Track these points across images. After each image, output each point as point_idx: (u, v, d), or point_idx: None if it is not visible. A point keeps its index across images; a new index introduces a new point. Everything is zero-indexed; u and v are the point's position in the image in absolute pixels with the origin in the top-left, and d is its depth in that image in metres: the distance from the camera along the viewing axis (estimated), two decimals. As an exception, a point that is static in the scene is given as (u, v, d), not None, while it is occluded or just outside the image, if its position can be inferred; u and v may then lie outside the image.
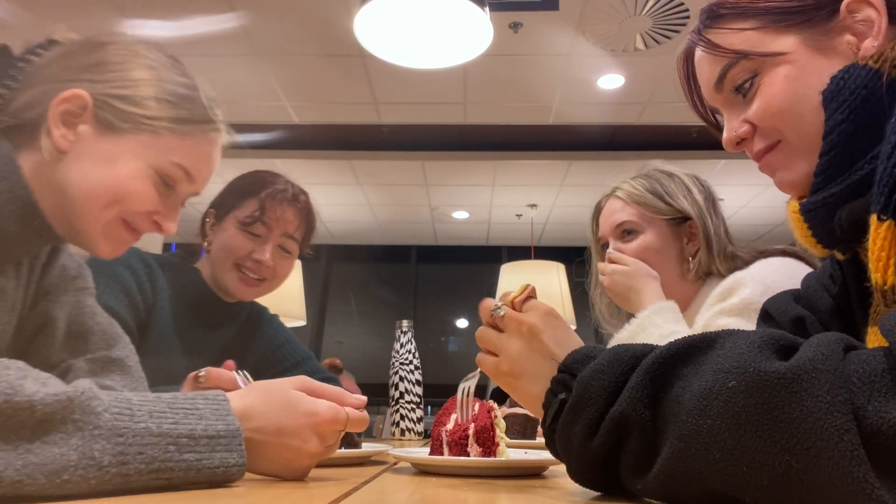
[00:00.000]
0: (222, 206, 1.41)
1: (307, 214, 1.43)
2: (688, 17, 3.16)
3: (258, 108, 4.21)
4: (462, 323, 7.29)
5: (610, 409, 0.50)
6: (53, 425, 0.50)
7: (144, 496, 0.52)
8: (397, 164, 4.95)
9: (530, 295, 0.69)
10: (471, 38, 1.87)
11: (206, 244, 1.40)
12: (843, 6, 0.65)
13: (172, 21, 3.24)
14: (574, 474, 0.56)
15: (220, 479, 0.58)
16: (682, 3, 3.06)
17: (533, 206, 5.70)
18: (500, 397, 2.11)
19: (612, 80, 3.81)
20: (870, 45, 0.63)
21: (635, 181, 1.36)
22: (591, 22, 3.24)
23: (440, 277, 7.21)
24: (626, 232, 1.33)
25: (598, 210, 1.42)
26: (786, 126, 0.68)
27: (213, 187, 1.44)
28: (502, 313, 0.68)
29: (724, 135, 0.74)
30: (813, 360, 0.41)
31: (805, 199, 0.66)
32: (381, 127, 4.49)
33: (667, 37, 3.32)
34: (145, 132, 0.79)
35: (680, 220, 1.30)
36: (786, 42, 0.67)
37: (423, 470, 0.79)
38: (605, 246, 1.37)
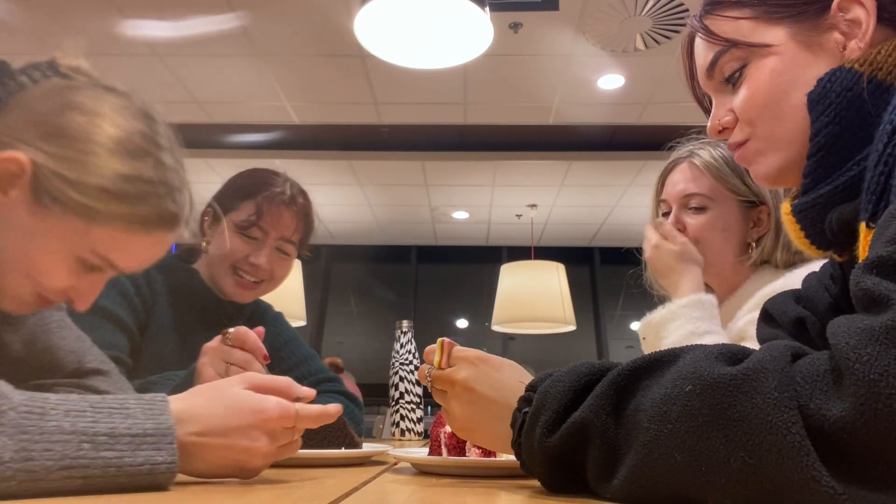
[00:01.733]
0: (220, 205, 1.39)
1: (305, 216, 1.42)
2: (687, 18, 3.16)
3: (258, 108, 4.21)
4: (462, 323, 7.29)
5: (571, 413, 0.52)
6: None
7: (143, 495, 0.52)
8: (397, 164, 4.95)
9: (450, 349, 0.69)
10: (471, 38, 1.87)
11: (204, 243, 1.39)
12: (834, 3, 0.66)
13: (172, 21, 3.24)
14: (543, 480, 0.57)
15: (146, 481, 0.54)
16: (681, 3, 3.06)
17: (533, 206, 5.70)
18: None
19: (612, 80, 3.81)
20: (855, 47, 0.64)
21: (715, 149, 1.26)
22: (591, 22, 3.24)
23: (440, 277, 7.21)
24: (693, 207, 1.25)
25: (667, 171, 1.33)
26: (762, 122, 0.70)
27: (213, 186, 1.44)
28: (430, 382, 0.69)
29: (709, 122, 0.76)
30: (762, 362, 0.43)
31: (796, 201, 0.67)
32: (381, 127, 4.49)
33: (667, 37, 3.32)
34: (76, 217, 0.71)
35: (752, 204, 1.23)
36: (775, 34, 0.68)
37: (422, 470, 0.79)
38: (667, 213, 1.30)
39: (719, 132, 0.75)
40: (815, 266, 1.12)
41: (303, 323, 3.53)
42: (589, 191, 5.36)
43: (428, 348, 0.71)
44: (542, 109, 4.17)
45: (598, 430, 0.50)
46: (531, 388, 0.59)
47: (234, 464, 0.62)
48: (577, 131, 4.47)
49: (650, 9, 3.12)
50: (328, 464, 0.85)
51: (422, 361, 0.71)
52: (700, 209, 1.25)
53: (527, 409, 0.57)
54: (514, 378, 0.65)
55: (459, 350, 0.69)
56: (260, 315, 1.52)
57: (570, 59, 3.59)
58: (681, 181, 1.28)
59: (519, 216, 5.99)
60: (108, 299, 1.20)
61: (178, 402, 0.60)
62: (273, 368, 1.47)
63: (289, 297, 3.11)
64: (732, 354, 0.46)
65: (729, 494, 0.43)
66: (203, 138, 4.54)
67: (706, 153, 1.27)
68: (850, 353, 0.39)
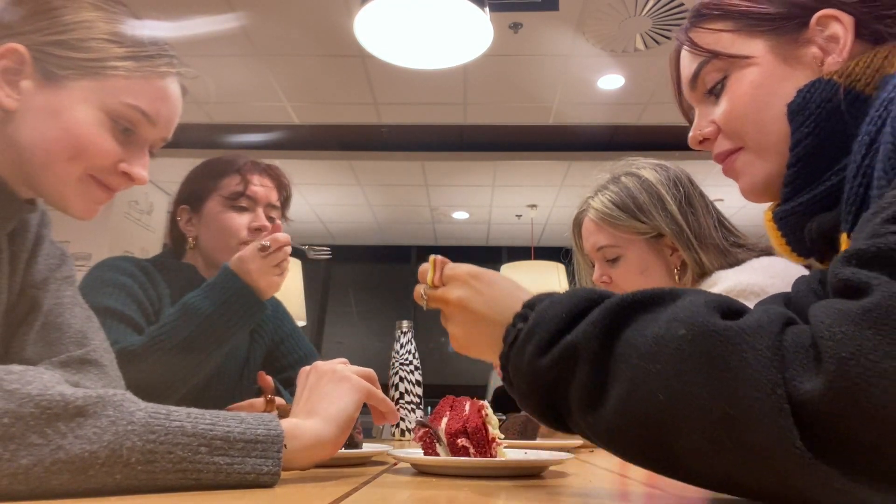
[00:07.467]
0: (195, 195, 1.38)
1: (283, 180, 1.43)
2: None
3: (258, 108, 4.21)
4: (462, 323, 7.28)
5: (565, 335, 0.52)
6: (88, 418, 0.51)
7: (145, 497, 0.52)
8: (397, 164, 4.95)
9: (442, 266, 0.70)
10: (471, 38, 1.87)
11: (190, 241, 1.37)
12: (812, 20, 0.67)
13: (172, 21, 3.24)
14: (523, 398, 0.57)
15: (250, 485, 0.58)
16: (682, 4, 3.07)
17: (533, 206, 5.70)
18: (501, 404, 2.10)
19: (612, 81, 3.81)
20: (833, 61, 0.66)
21: (605, 195, 1.30)
22: (591, 22, 3.24)
23: (440, 277, 7.20)
24: (609, 260, 1.29)
25: (577, 225, 1.38)
26: (747, 133, 0.71)
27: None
28: (426, 301, 0.70)
29: (690, 133, 0.77)
30: (759, 321, 0.43)
31: (777, 208, 0.68)
32: (381, 127, 4.49)
33: (667, 37, 3.32)
34: (89, 76, 0.75)
35: (659, 235, 1.24)
36: (755, 47, 0.70)
37: (422, 470, 0.79)
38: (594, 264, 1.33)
39: (700, 142, 0.77)
40: (735, 269, 1.13)
41: (303, 323, 3.53)
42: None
43: (421, 267, 0.71)
44: (542, 109, 4.17)
45: (587, 356, 0.50)
46: (529, 305, 0.59)
47: (344, 389, 0.73)
48: (577, 131, 4.47)
49: (650, 9, 3.12)
50: (328, 464, 0.85)
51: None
52: (614, 259, 1.28)
53: (521, 326, 0.57)
54: (509, 293, 0.64)
55: (451, 268, 0.69)
56: None
57: (570, 59, 3.59)
58: (588, 237, 1.33)
59: (519, 216, 5.99)
60: (118, 301, 1.20)
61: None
62: (274, 363, 1.45)
63: (289, 297, 3.11)
64: (728, 308, 0.47)
65: (703, 440, 0.43)
66: (203, 138, 4.54)
67: (598, 202, 1.30)
68: (825, 332, 0.40)
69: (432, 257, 0.71)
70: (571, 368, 0.51)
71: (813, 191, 0.63)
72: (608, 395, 0.49)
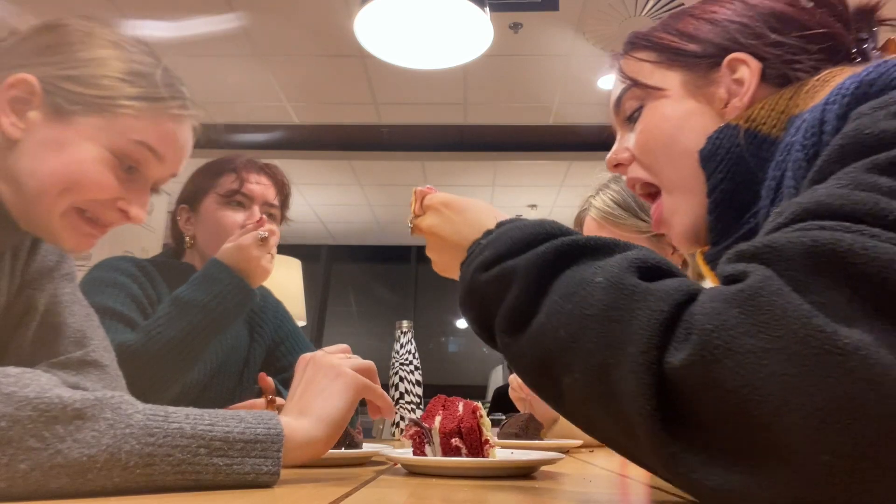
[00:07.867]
0: (194, 194, 1.39)
1: (279, 179, 1.44)
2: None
3: (258, 108, 4.21)
4: (462, 323, 7.28)
5: (508, 259, 0.55)
6: (86, 421, 0.51)
7: (144, 497, 0.52)
8: (397, 164, 4.95)
9: (422, 197, 0.73)
10: (471, 38, 1.88)
11: (188, 240, 1.39)
12: (725, 61, 0.69)
13: (172, 21, 3.24)
14: (460, 304, 0.60)
15: (250, 485, 0.58)
16: (681, 4, 3.07)
17: (533, 206, 5.70)
18: (501, 405, 2.10)
19: (612, 81, 3.81)
20: (736, 104, 0.67)
21: (606, 194, 1.31)
22: (591, 22, 3.24)
23: (440, 278, 7.11)
24: None
25: (579, 224, 1.39)
26: (659, 166, 0.73)
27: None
28: (410, 230, 0.74)
29: (608, 154, 0.81)
30: (665, 286, 0.44)
31: (706, 252, 0.70)
32: (381, 127, 4.49)
33: (667, 37, 3.33)
34: (96, 113, 0.75)
35: (660, 235, 1.27)
36: (670, 80, 0.72)
37: (412, 471, 0.79)
38: None
39: (615, 166, 0.80)
40: None
41: (303, 323, 3.53)
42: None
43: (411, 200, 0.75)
44: (542, 109, 4.17)
45: (520, 283, 0.52)
46: (500, 224, 0.62)
47: (340, 386, 0.72)
48: (577, 131, 4.47)
49: (650, 9, 3.12)
50: (328, 464, 0.85)
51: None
52: None
53: (483, 241, 0.60)
54: (477, 218, 0.66)
55: (429, 198, 0.72)
56: (261, 302, 1.49)
57: (570, 59, 3.59)
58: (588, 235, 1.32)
59: (519, 217, 5.99)
60: (117, 301, 1.20)
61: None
62: (275, 363, 1.46)
63: (289, 297, 3.10)
64: (653, 269, 0.48)
65: (583, 382, 0.46)
66: (203, 138, 4.54)
67: (599, 201, 1.32)
68: (698, 308, 0.41)
69: (414, 189, 0.74)
70: (504, 291, 0.53)
71: (735, 234, 0.66)
72: (529, 324, 0.51)
